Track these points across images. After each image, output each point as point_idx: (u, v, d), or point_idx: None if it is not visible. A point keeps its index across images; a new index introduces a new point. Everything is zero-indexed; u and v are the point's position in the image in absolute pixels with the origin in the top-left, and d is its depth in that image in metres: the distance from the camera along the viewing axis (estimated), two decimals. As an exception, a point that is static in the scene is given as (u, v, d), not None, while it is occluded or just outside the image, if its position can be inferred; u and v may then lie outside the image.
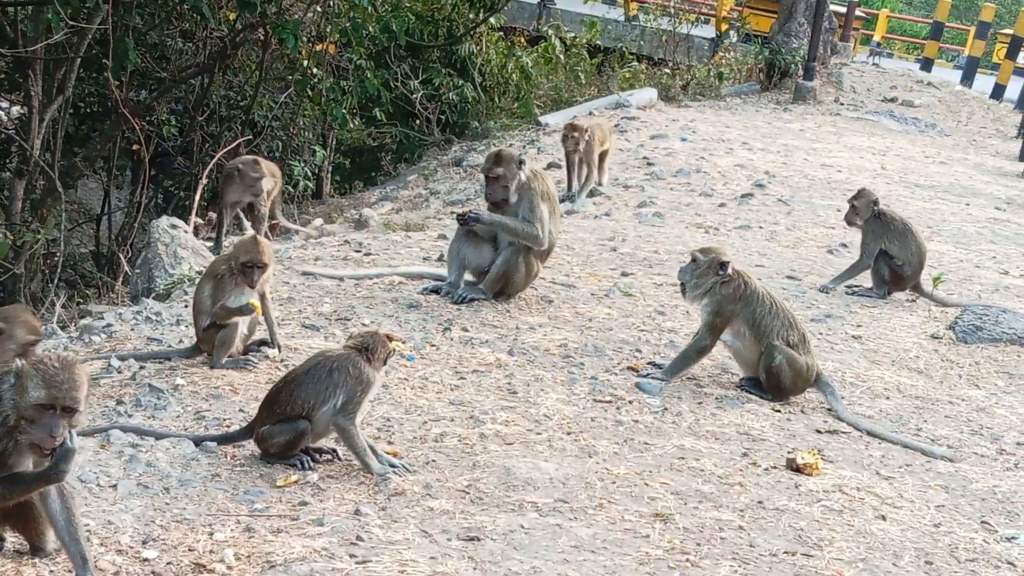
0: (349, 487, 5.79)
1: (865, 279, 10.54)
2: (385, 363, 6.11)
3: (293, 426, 5.91)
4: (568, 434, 6.71)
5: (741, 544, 5.57)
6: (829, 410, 7.60)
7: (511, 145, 18.02)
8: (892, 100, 24.83)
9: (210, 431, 6.31)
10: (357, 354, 6.00)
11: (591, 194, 13.69)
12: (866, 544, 5.75)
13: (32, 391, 4.42)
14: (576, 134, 13.48)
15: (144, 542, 5.05)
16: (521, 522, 5.55)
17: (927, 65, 32.02)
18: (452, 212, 12.45)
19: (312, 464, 5.97)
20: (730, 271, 7.70)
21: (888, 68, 29.32)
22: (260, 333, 7.63)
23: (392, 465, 5.95)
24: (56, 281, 14.29)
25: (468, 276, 9.12)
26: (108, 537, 5.07)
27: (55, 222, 15.46)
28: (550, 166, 15.07)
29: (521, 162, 8.91)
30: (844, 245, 11.97)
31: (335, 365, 5.97)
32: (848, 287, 10.50)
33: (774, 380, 7.62)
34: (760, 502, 6.06)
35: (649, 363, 7.97)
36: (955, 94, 26.58)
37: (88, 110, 18.95)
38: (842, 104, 23.81)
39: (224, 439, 6.15)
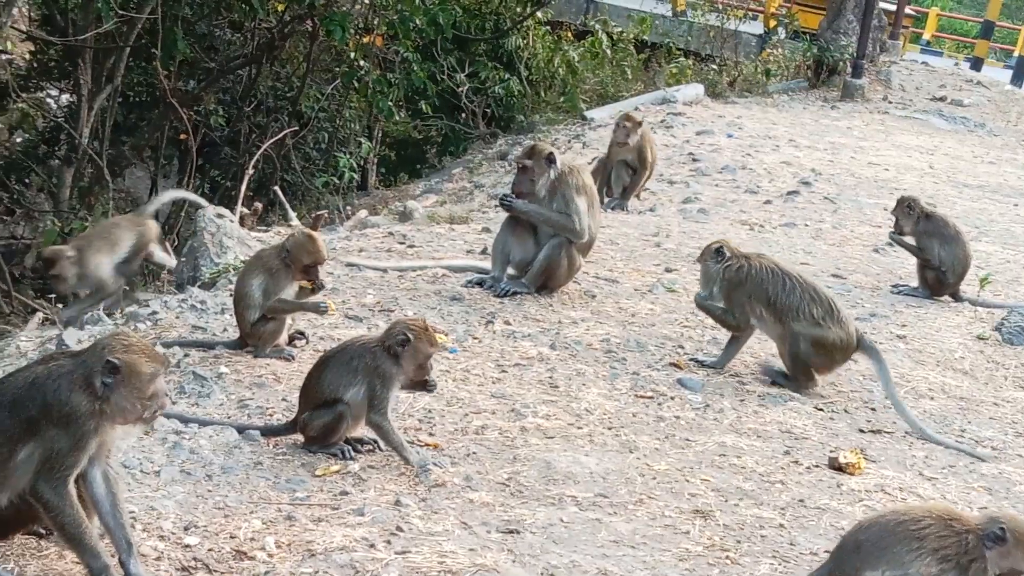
0: (390, 478, 5.81)
1: (912, 278, 10.49)
2: (420, 365, 6.05)
3: (332, 410, 5.95)
4: (609, 429, 6.70)
5: (781, 542, 5.56)
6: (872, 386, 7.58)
7: (556, 140, 18.01)
8: (941, 99, 24.61)
9: (253, 419, 6.34)
10: (380, 346, 6.00)
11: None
12: (907, 545, 5.71)
13: (149, 369, 4.57)
14: (628, 124, 12.65)
15: (186, 528, 5.09)
16: (561, 516, 5.55)
17: (977, 64, 31.73)
18: (494, 198, 12.45)
19: (353, 454, 5.99)
20: (727, 253, 7.75)
21: (937, 67, 29.09)
22: (300, 323, 7.67)
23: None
24: (102, 269, 14.38)
25: (511, 270, 9.13)
26: (151, 523, 5.10)
27: (102, 210, 15.59)
28: (594, 160, 15.03)
29: (551, 160, 8.89)
30: (891, 244, 11.88)
31: (357, 352, 6.02)
32: (894, 286, 10.45)
33: (800, 366, 7.65)
34: (801, 500, 6.04)
35: (692, 359, 7.96)
36: (1005, 94, 26.32)
37: (136, 99, 19.09)
38: (890, 102, 23.63)
39: (268, 431, 6.19)
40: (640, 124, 12.74)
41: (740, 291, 7.72)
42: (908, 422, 7.26)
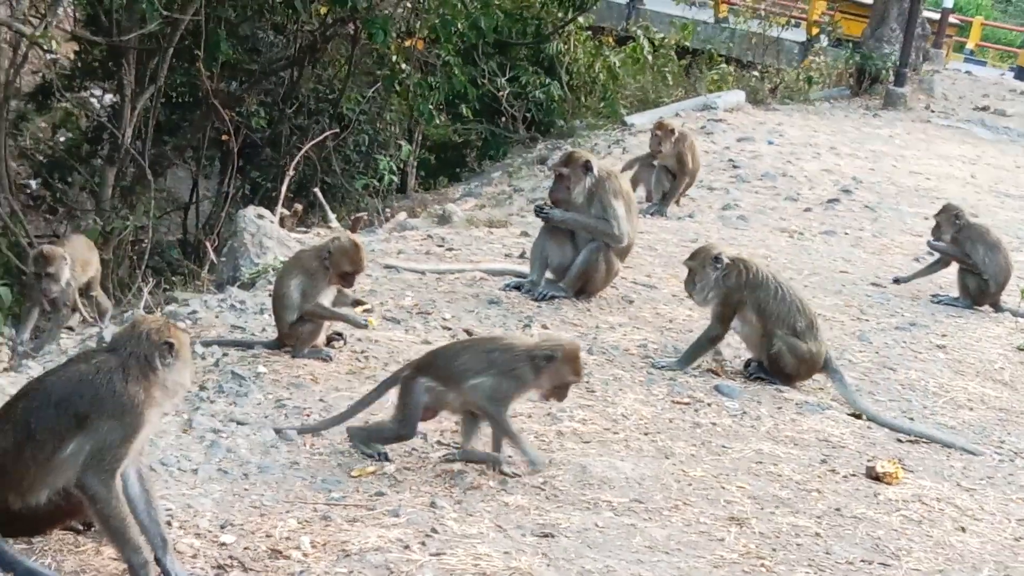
0: (425, 479, 5.81)
1: (952, 288, 10.44)
2: (557, 387, 6.02)
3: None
4: (645, 434, 6.69)
5: (817, 551, 5.53)
6: (833, 399, 7.65)
7: (596, 145, 18.01)
8: (984, 109, 24.46)
9: (290, 419, 6.36)
10: (527, 353, 5.93)
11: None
12: (944, 555, 5.69)
13: (185, 336, 4.83)
14: (660, 132, 12.60)
15: (222, 526, 5.11)
16: (596, 520, 5.54)
17: (1021, 74, 31.53)
18: (533, 202, 12.45)
19: (389, 456, 5.98)
20: (725, 260, 7.75)
21: (981, 76, 28.91)
22: (338, 325, 7.69)
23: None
24: (143, 268, 14.50)
25: (549, 274, 9.13)
26: (187, 520, 5.13)
27: (144, 210, 15.70)
28: (634, 163, 14.97)
29: (588, 168, 8.89)
30: (931, 254, 11.82)
31: (502, 347, 5.98)
32: (934, 296, 10.39)
33: (776, 366, 7.73)
34: (838, 509, 6.01)
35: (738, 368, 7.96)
36: (1049, 104, 26.14)
37: (179, 100, 19.21)
38: (933, 111, 23.50)
39: (390, 382, 6.18)
40: (673, 131, 12.66)
41: (734, 296, 7.76)
42: (892, 427, 7.32)
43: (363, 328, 7.48)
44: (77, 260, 10.05)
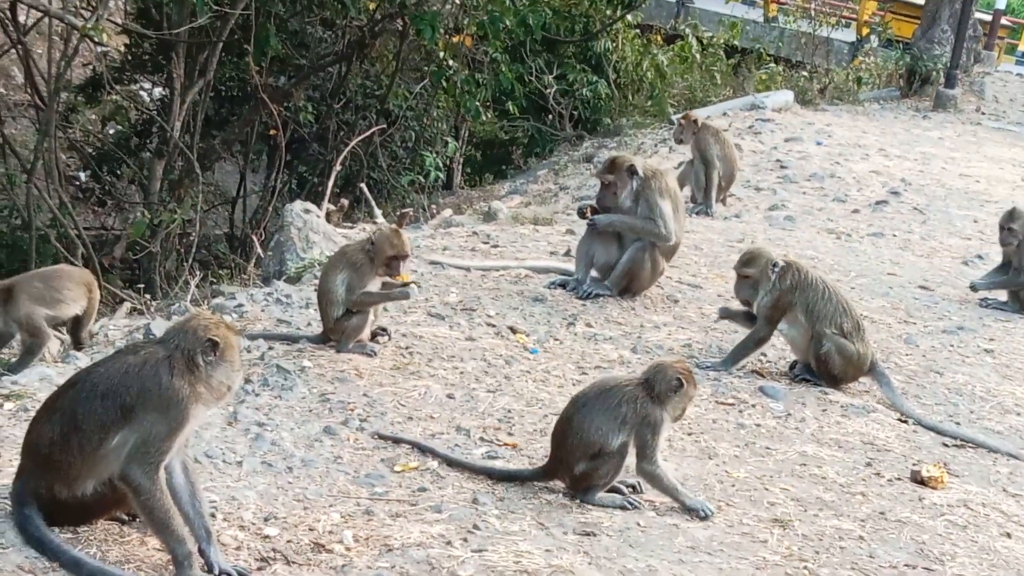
0: (468, 476, 5.82)
1: (1000, 292, 10.34)
2: (679, 410, 5.87)
3: (610, 459, 5.69)
4: (689, 435, 6.67)
5: (861, 554, 5.50)
6: (879, 401, 7.59)
7: (642, 144, 17.97)
8: (1035, 111, 24.26)
9: (334, 414, 6.37)
10: (647, 392, 5.76)
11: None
12: (989, 561, 5.64)
13: (237, 340, 4.82)
14: (684, 121, 12.61)
15: (266, 519, 5.13)
16: (638, 520, 5.53)
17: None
18: (579, 200, 12.42)
19: (638, 502, 5.78)
20: (781, 263, 7.76)
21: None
22: (383, 320, 7.71)
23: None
24: (190, 261, 14.57)
25: (594, 272, 9.12)
26: (231, 513, 5.15)
27: (192, 203, 15.79)
28: (681, 164, 14.94)
29: (632, 172, 8.87)
30: (980, 257, 11.73)
31: (624, 398, 5.74)
32: (982, 299, 10.30)
33: (824, 367, 7.70)
34: (882, 513, 5.98)
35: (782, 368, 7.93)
36: (1101, 107, 25.87)
37: (228, 94, 19.29)
38: (983, 114, 23.30)
39: (512, 476, 5.91)
40: (696, 121, 12.61)
41: (785, 299, 7.74)
42: (938, 431, 7.29)
43: (409, 298, 7.48)
44: (35, 293, 8.70)
